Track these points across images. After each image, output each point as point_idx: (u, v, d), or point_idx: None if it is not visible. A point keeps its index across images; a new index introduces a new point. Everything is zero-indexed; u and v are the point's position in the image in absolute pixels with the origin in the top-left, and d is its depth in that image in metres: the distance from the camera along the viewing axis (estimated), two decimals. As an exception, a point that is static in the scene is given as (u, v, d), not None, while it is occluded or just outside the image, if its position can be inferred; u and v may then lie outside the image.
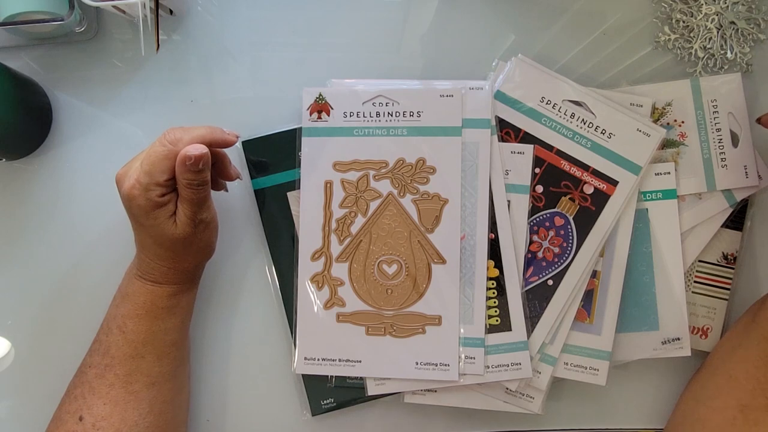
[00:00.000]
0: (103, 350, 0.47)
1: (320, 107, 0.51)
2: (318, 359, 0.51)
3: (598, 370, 0.51)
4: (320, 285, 0.51)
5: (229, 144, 0.46)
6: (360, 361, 0.51)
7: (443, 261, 0.51)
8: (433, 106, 0.51)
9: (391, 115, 0.51)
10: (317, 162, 0.52)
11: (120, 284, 0.49)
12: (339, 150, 0.52)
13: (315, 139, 0.52)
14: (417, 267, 0.51)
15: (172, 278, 0.48)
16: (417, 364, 0.50)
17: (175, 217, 0.45)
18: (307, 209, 0.52)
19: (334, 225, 0.51)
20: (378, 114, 0.51)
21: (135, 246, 0.48)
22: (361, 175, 0.52)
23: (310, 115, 0.52)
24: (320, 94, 0.51)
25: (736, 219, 0.53)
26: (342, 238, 0.51)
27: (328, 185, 0.52)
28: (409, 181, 0.51)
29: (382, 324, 0.51)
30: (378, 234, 0.51)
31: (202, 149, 0.43)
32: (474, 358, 0.50)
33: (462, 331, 0.50)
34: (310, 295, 0.51)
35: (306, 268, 0.51)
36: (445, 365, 0.50)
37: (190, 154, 0.42)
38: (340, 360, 0.51)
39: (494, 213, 0.51)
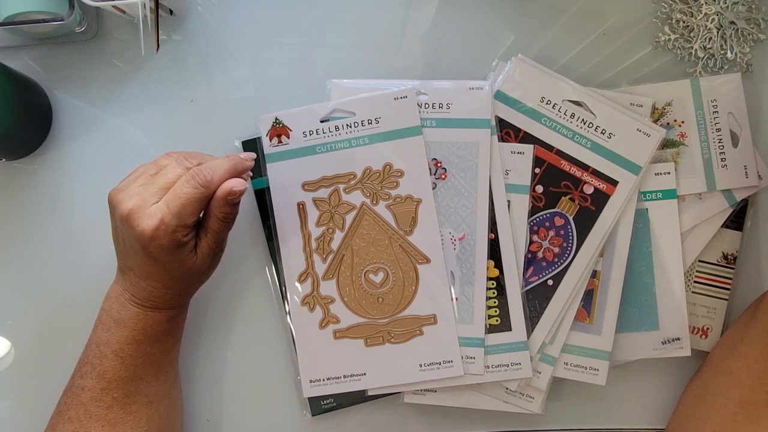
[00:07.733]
0: (98, 374, 0.45)
1: (279, 131, 0.51)
2: (323, 380, 0.51)
3: (598, 370, 0.51)
4: (312, 306, 0.51)
5: (248, 169, 0.46)
6: (364, 374, 0.50)
7: (428, 260, 0.51)
8: (389, 110, 0.51)
9: (350, 126, 0.51)
10: (286, 186, 0.51)
11: (104, 307, 0.46)
12: (305, 170, 0.51)
13: (279, 164, 0.52)
14: (403, 271, 0.51)
15: (176, 302, 0.47)
16: (421, 366, 0.50)
17: (196, 250, 0.45)
18: (284, 234, 0.51)
19: (314, 245, 0.51)
20: (337, 128, 0.51)
21: (120, 271, 0.46)
22: (332, 191, 0.51)
23: (270, 140, 0.51)
24: (276, 119, 0.51)
25: (736, 219, 0.53)
26: (324, 256, 0.51)
27: (301, 206, 0.51)
28: (380, 188, 0.51)
29: (380, 333, 0.51)
30: (359, 245, 0.51)
31: (244, 183, 0.43)
32: (474, 358, 0.50)
33: (460, 328, 0.50)
34: (303, 319, 0.51)
35: (295, 292, 0.51)
36: (449, 362, 0.50)
37: (235, 190, 0.42)
38: (344, 376, 0.51)
39: (494, 213, 0.51)
